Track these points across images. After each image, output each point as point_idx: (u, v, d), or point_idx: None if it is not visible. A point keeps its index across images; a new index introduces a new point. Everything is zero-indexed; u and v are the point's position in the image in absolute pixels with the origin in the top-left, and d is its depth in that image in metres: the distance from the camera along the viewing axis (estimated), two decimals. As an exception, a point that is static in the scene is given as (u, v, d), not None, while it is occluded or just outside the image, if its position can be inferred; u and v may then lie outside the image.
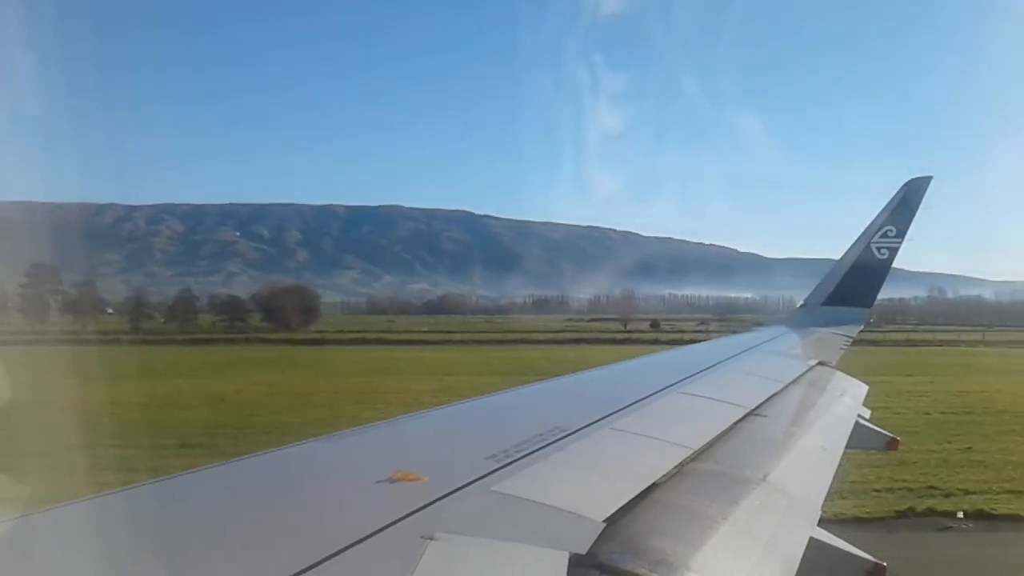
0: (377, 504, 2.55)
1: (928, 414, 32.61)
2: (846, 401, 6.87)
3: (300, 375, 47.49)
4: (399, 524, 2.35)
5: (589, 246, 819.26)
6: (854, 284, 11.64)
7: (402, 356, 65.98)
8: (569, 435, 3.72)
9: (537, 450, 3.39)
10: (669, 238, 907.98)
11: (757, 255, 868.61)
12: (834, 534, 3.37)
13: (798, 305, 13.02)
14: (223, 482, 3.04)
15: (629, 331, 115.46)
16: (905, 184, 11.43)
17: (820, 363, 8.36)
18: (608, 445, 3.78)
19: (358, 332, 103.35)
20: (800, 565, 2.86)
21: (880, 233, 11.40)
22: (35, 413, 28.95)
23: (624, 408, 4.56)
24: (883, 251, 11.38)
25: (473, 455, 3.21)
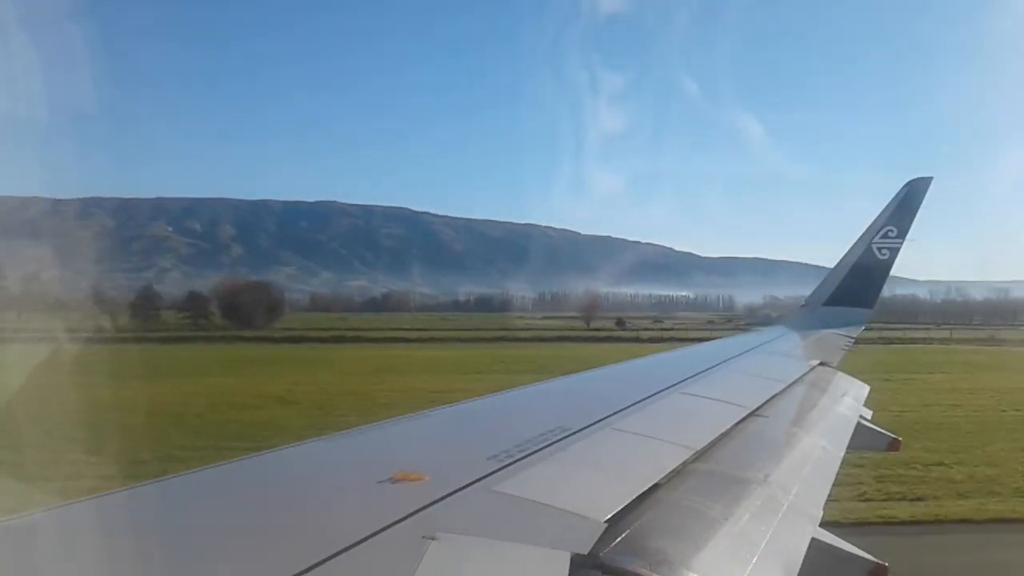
0: (379, 504, 2.54)
1: (1015, 411, 32.75)
2: (848, 402, 6.88)
3: (331, 374, 45.78)
4: (401, 524, 2.36)
5: (528, 244, 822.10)
6: (855, 285, 11.61)
7: (407, 354, 64.66)
8: (571, 435, 3.74)
9: (539, 450, 3.40)
10: (607, 236, 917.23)
11: (693, 254, 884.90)
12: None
13: (801, 304, 13.06)
14: (225, 482, 3.03)
15: (596, 329, 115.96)
16: (906, 184, 11.42)
17: (822, 364, 8.39)
18: (610, 445, 3.78)
19: (330, 330, 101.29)
20: (802, 566, 2.87)
21: (881, 234, 11.39)
22: (126, 417, 27.58)
23: (626, 408, 4.57)
24: (884, 251, 11.37)
25: (475, 455, 3.22)
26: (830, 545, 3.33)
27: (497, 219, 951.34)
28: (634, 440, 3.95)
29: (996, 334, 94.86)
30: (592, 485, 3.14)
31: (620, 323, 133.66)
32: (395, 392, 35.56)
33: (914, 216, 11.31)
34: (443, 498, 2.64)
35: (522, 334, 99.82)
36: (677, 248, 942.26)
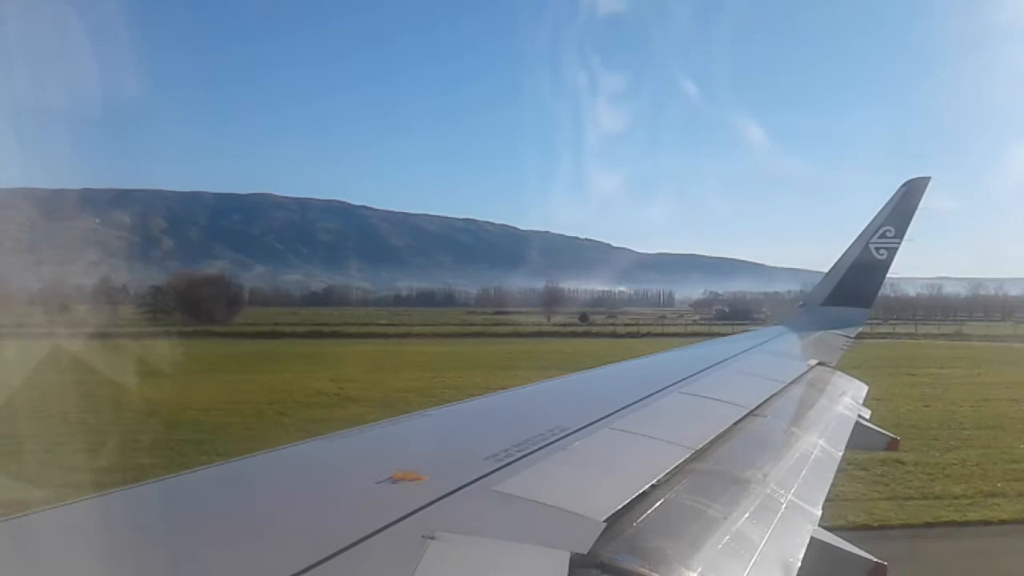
0: (378, 504, 2.54)
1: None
2: (846, 401, 6.93)
3: (360, 371, 43.83)
4: (400, 524, 2.35)
5: (466, 238, 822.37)
6: (853, 284, 11.62)
7: (415, 349, 63.39)
8: (569, 435, 3.74)
9: (538, 450, 3.39)
10: (546, 232, 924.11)
11: (630, 250, 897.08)
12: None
13: (799, 304, 13.05)
14: (225, 482, 3.02)
15: (574, 324, 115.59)
16: (904, 184, 11.43)
17: (820, 363, 8.43)
18: (608, 445, 3.80)
19: (300, 325, 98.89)
20: (801, 565, 2.87)
21: (879, 233, 11.38)
22: (215, 417, 25.93)
23: (624, 408, 4.57)
24: (882, 251, 11.35)
25: (473, 455, 3.21)
26: (829, 545, 3.33)
27: (435, 213, 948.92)
28: (633, 440, 3.95)
29: (962, 329, 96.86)
30: (591, 484, 3.14)
31: (584, 318, 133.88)
32: (451, 389, 34.10)
33: (912, 216, 11.25)
34: (442, 498, 2.61)
35: (499, 329, 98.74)
36: (615, 244, 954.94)
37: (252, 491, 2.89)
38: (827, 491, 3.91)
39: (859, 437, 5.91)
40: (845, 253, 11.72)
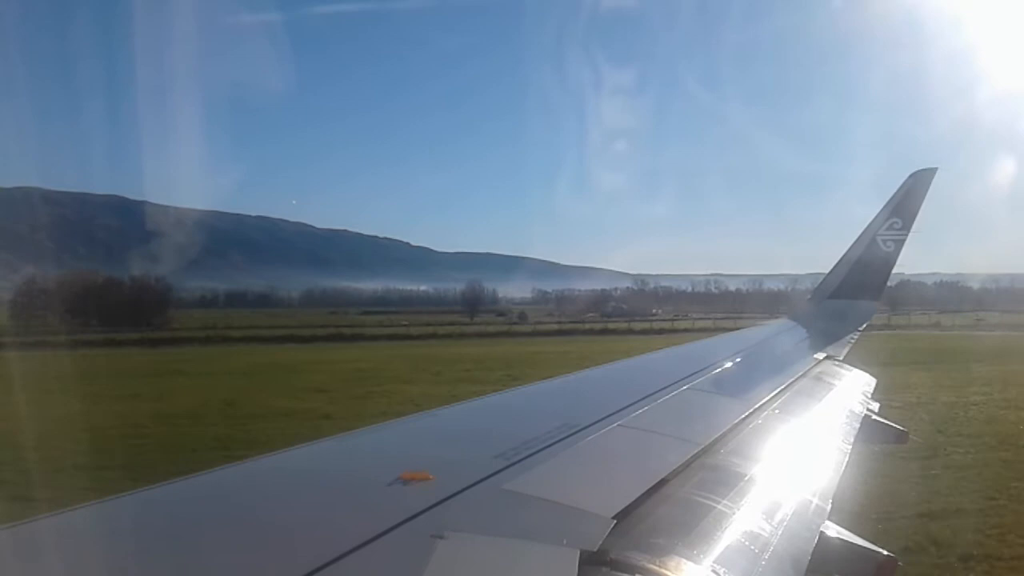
0: (385, 504, 2.53)
1: None
2: (854, 395, 7.06)
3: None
4: (408, 524, 2.32)
5: (260, 237, 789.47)
6: (861, 277, 11.57)
7: (398, 352, 59.66)
8: (577, 432, 3.72)
9: (545, 448, 3.38)
10: (344, 231, 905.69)
11: (429, 249, 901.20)
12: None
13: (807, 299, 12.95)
14: (233, 485, 3.00)
15: (480, 323, 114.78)
16: (910, 176, 11.47)
17: (828, 357, 8.59)
18: (616, 442, 3.80)
19: (200, 330, 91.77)
20: (810, 559, 2.93)
21: (886, 226, 11.36)
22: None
23: (632, 404, 4.54)
24: (889, 244, 11.35)
25: (481, 453, 3.20)
26: (839, 539, 3.40)
27: (226, 211, 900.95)
28: (641, 436, 4.00)
29: (941, 320, 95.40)
30: (600, 481, 3.20)
31: (522, 317, 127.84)
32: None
33: (919, 208, 11.32)
34: (450, 497, 2.60)
35: (420, 331, 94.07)
36: (413, 243, 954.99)
37: (262, 493, 2.89)
38: (836, 485, 3.98)
39: (868, 431, 6.01)
40: (852, 246, 11.71)
